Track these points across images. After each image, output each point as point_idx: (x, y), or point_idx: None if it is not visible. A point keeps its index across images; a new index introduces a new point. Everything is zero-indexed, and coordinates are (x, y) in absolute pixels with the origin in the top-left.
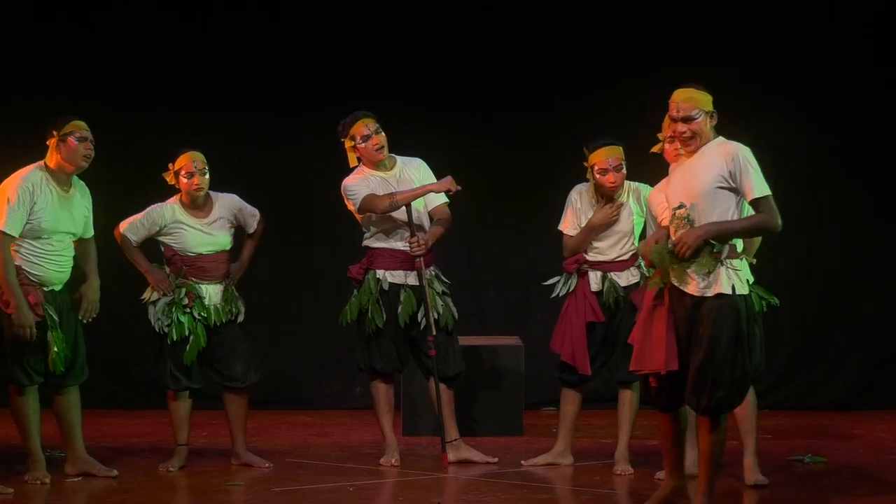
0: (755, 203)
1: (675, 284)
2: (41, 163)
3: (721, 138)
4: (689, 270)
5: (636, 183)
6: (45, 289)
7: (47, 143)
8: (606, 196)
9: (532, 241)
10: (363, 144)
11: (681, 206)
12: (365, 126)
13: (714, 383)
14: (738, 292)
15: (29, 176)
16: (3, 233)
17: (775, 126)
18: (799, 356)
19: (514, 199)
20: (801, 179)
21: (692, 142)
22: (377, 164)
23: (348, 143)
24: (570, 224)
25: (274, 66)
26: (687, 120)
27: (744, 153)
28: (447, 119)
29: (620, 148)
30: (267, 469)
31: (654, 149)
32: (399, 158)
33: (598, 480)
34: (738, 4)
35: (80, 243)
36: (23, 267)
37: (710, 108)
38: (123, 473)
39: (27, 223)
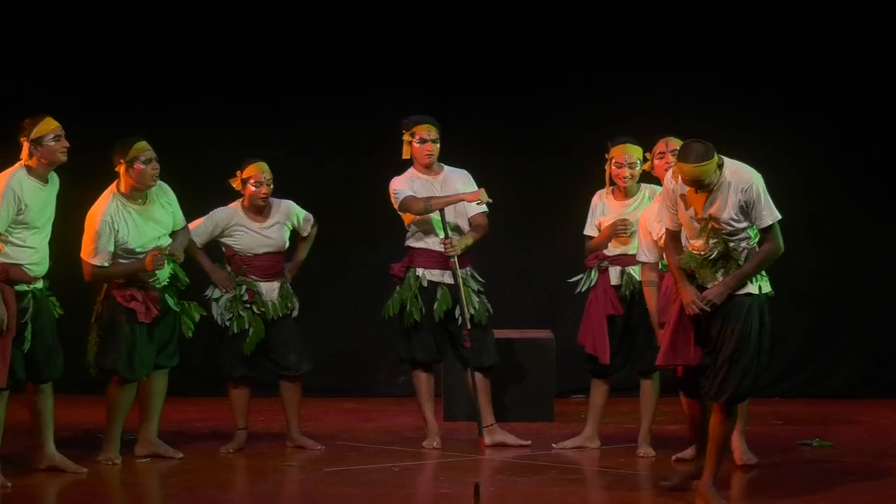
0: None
1: (706, 286)
2: (113, 188)
3: None
4: (718, 274)
5: (653, 185)
6: (156, 286)
7: (116, 169)
8: (620, 189)
9: (561, 241)
10: (419, 145)
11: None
12: (427, 131)
13: (743, 373)
14: (763, 291)
15: (107, 210)
16: (96, 266)
17: (774, 134)
18: (808, 347)
19: (543, 201)
20: (803, 176)
21: None
22: (425, 168)
23: (407, 137)
24: (589, 227)
25: (296, 75)
26: None
27: None
28: (479, 125)
29: (640, 149)
30: (319, 451)
31: (645, 166)
32: (447, 168)
33: (623, 462)
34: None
35: (172, 234)
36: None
37: None
38: (188, 455)
39: (116, 247)
